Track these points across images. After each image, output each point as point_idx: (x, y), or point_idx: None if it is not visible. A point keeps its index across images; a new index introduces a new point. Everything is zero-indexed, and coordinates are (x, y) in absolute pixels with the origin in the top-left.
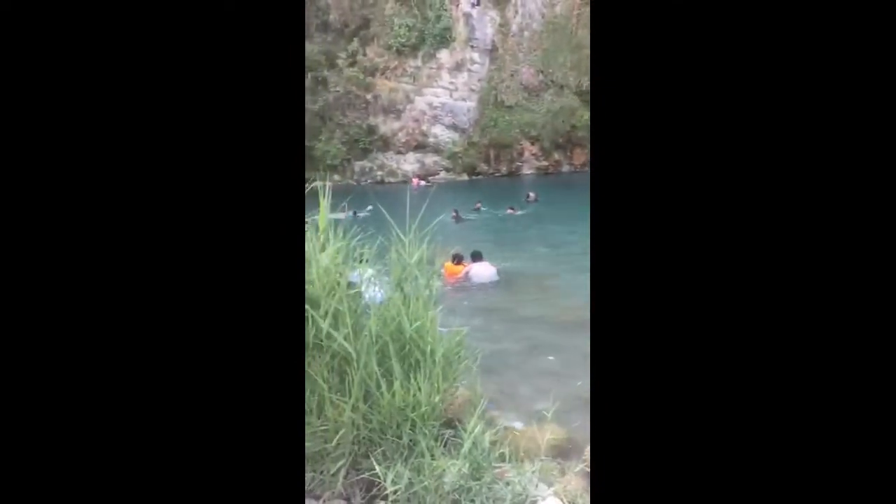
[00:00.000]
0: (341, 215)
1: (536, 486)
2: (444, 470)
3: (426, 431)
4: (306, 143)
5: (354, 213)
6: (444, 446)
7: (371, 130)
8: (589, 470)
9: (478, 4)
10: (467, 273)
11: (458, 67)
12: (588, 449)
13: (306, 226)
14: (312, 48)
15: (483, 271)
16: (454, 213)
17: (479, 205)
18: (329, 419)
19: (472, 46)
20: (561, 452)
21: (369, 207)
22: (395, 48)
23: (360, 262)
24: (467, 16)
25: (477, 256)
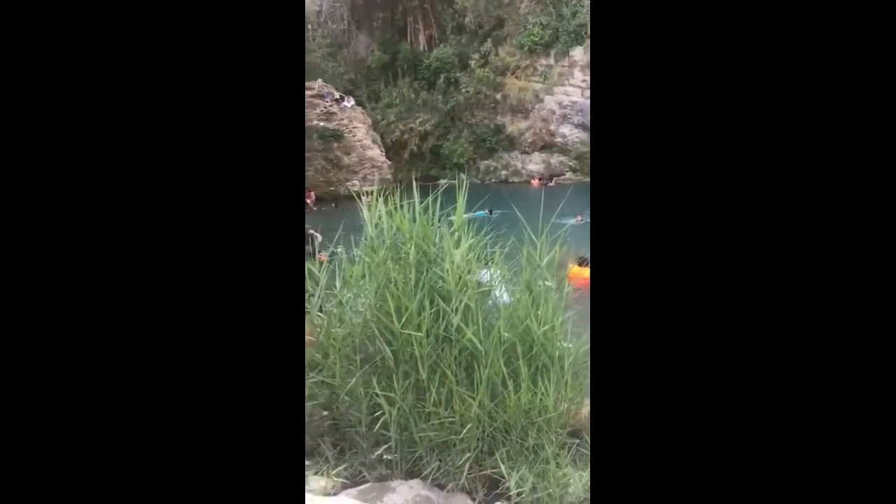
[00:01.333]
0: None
1: None
2: (569, 480)
3: (552, 438)
4: (435, 142)
5: (490, 211)
6: (570, 456)
7: (498, 130)
8: None
9: None
10: None
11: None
12: None
13: (440, 222)
14: (446, 50)
15: None
16: (578, 217)
17: (580, 217)
18: (456, 412)
19: None
20: None
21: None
22: (527, 47)
23: (491, 260)
24: None
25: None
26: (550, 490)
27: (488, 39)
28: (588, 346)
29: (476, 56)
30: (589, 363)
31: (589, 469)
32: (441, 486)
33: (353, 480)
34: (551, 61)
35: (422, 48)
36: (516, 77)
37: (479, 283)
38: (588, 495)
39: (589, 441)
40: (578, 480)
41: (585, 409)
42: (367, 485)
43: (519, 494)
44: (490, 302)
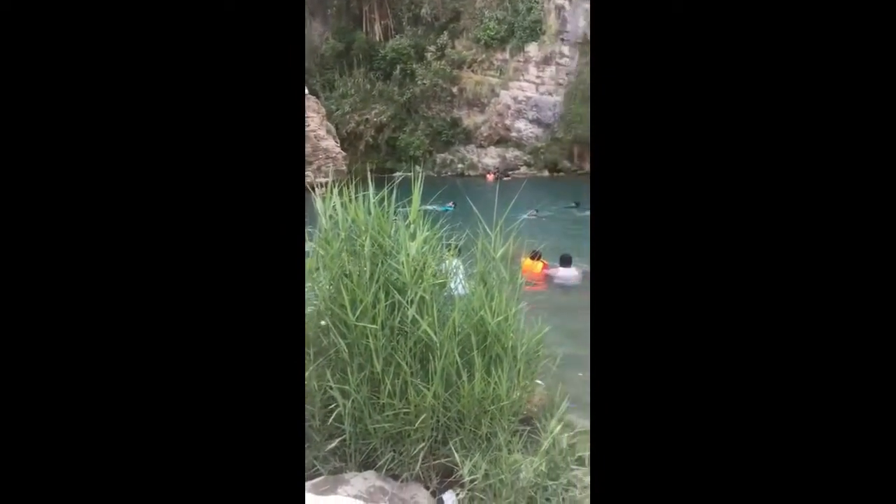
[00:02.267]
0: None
1: None
2: (521, 466)
3: (504, 425)
4: (391, 134)
5: (537, 210)
6: (522, 443)
7: (454, 123)
8: None
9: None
10: (553, 277)
11: (546, 61)
12: None
13: (396, 214)
14: (402, 41)
15: (569, 276)
16: (533, 212)
17: (533, 212)
18: (410, 403)
19: (562, 39)
20: None
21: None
22: (483, 41)
23: (449, 251)
24: (559, 8)
25: (566, 261)
26: (503, 476)
27: (444, 32)
28: (540, 334)
29: (432, 48)
30: (542, 350)
31: (540, 456)
32: (395, 477)
33: (308, 474)
34: (507, 56)
35: (377, 38)
36: (472, 71)
37: (452, 273)
38: (538, 479)
39: (546, 429)
40: (529, 466)
41: (537, 397)
42: (321, 478)
43: (472, 481)
44: (445, 294)
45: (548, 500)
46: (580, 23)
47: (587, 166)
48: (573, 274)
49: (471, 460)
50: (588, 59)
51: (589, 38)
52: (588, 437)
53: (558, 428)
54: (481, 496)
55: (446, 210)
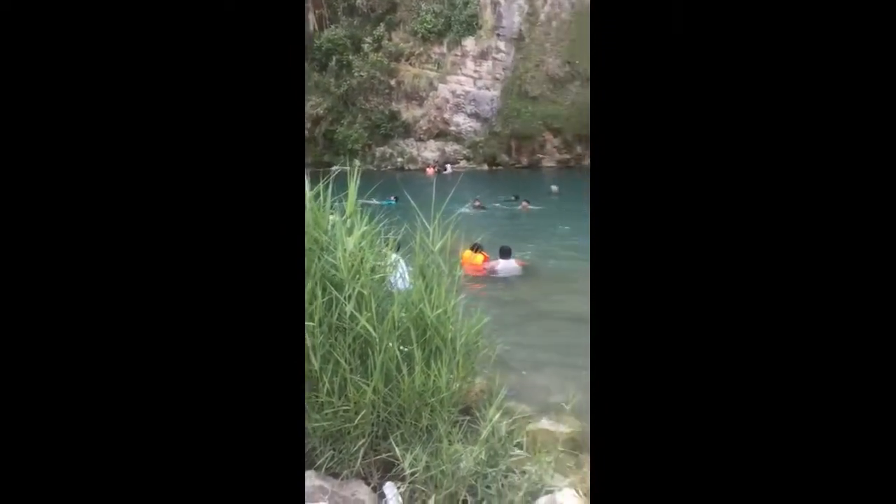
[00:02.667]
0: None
1: (552, 476)
2: (461, 455)
3: (444, 417)
4: (328, 127)
5: (395, 198)
6: (462, 433)
7: (393, 116)
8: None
9: None
10: (493, 269)
11: (483, 55)
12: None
13: (333, 210)
14: (338, 31)
15: (509, 268)
16: (476, 202)
17: (478, 202)
18: (350, 400)
19: (498, 35)
20: (577, 445)
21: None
22: (420, 34)
23: (388, 245)
24: (495, 3)
25: (505, 253)
26: (443, 467)
27: (381, 24)
28: (479, 325)
29: (369, 40)
30: (481, 341)
31: (479, 444)
32: (335, 475)
33: None
34: (444, 50)
35: (312, 28)
36: (410, 64)
37: (392, 267)
38: (478, 468)
39: (485, 418)
40: (469, 455)
41: (477, 387)
42: None
43: (413, 474)
44: (388, 287)
45: (488, 487)
46: (515, 19)
47: (525, 160)
48: (513, 266)
49: (411, 453)
50: (522, 54)
51: (522, 34)
52: (525, 423)
53: (497, 416)
54: (422, 488)
55: (388, 204)
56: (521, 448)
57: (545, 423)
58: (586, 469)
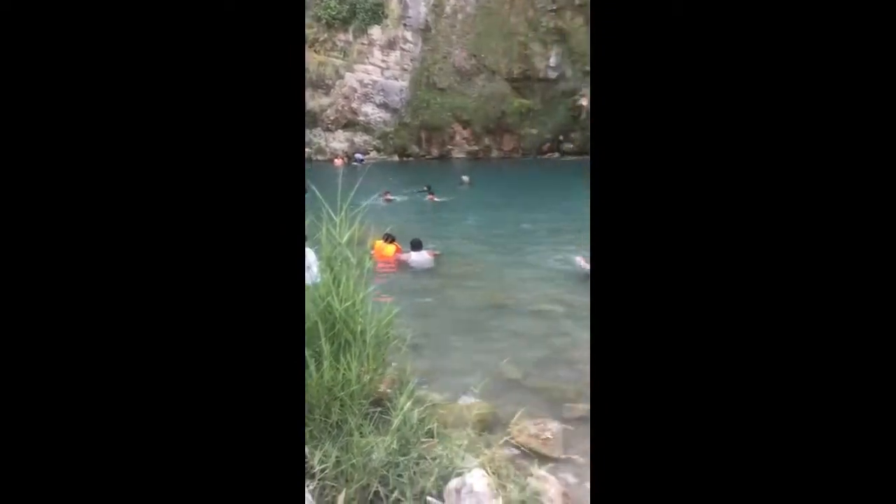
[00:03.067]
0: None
1: (463, 458)
2: (372, 447)
3: (355, 410)
4: None
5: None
6: (373, 424)
7: None
8: (514, 441)
9: None
10: (405, 261)
11: (390, 45)
12: (513, 421)
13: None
14: None
15: (421, 259)
16: (385, 194)
17: (388, 194)
18: None
19: (404, 25)
20: (487, 426)
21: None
22: (324, 20)
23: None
24: None
25: (416, 245)
26: (354, 460)
27: None
28: (390, 316)
29: None
30: (391, 332)
31: (391, 434)
32: None
33: None
34: (350, 38)
35: None
36: (315, 51)
37: None
38: (389, 458)
39: (396, 408)
40: (381, 446)
41: (388, 378)
42: None
43: (322, 471)
44: None
45: (399, 475)
46: (421, 9)
47: (435, 151)
48: (425, 258)
49: (320, 450)
50: (430, 46)
51: (429, 25)
52: (436, 409)
53: (408, 404)
54: (332, 483)
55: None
56: (431, 435)
57: (455, 408)
58: (495, 448)
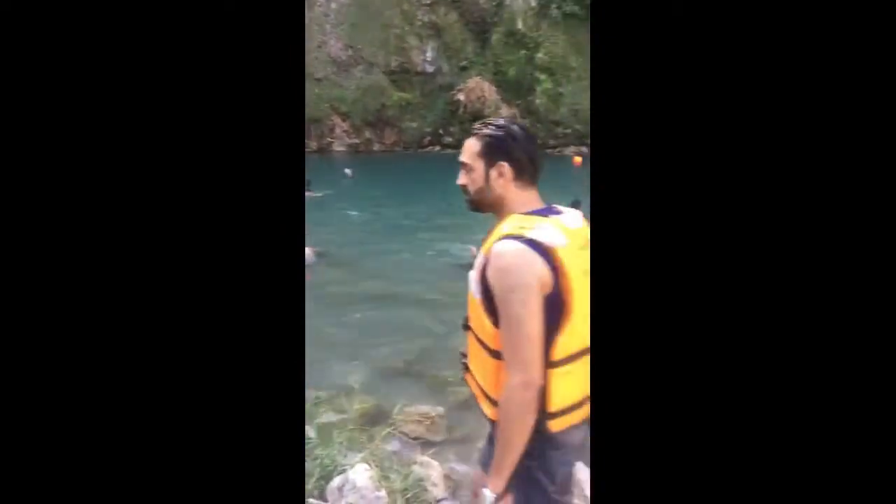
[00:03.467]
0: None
1: (345, 455)
2: None
3: None
4: None
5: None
6: None
7: None
8: (397, 433)
9: None
10: None
11: None
12: (394, 411)
13: None
14: None
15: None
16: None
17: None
18: None
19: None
20: (370, 419)
21: None
22: None
23: None
24: None
25: None
26: None
27: None
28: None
29: None
30: None
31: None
32: None
33: None
34: None
35: None
36: None
37: None
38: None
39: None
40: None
41: None
42: None
43: None
44: None
45: None
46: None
47: (315, 144)
48: (306, 252)
49: None
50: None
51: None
52: (317, 408)
53: None
54: None
55: None
56: (310, 435)
57: (336, 405)
58: (378, 441)
